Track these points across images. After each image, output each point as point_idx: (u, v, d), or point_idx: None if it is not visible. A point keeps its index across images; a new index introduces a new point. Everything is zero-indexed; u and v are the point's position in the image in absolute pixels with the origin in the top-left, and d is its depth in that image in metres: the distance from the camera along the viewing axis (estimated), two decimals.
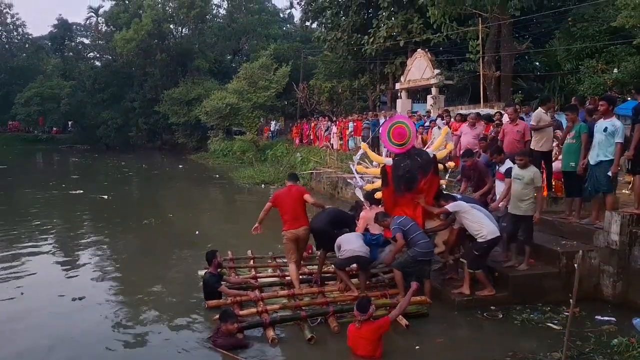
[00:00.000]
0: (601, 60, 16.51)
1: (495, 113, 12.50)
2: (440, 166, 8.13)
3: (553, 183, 9.39)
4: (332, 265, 7.50)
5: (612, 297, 7.03)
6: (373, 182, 8.53)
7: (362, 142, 11.51)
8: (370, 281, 7.54)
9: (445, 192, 7.94)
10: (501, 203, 7.58)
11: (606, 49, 16.71)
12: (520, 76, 20.97)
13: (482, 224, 6.80)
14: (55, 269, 9.27)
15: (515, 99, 18.07)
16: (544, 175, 9.37)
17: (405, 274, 6.81)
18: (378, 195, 7.88)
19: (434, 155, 7.85)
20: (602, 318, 6.46)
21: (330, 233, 7.24)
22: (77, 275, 8.83)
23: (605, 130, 7.00)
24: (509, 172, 7.52)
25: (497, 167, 8.08)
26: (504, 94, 19.16)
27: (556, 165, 8.96)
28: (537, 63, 22.71)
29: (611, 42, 16.64)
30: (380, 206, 7.85)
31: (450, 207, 7.06)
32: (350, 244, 6.88)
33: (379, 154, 10.26)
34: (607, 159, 7.01)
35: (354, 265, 7.17)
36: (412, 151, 7.76)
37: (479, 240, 6.77)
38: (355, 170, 8.62)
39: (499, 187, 7.88)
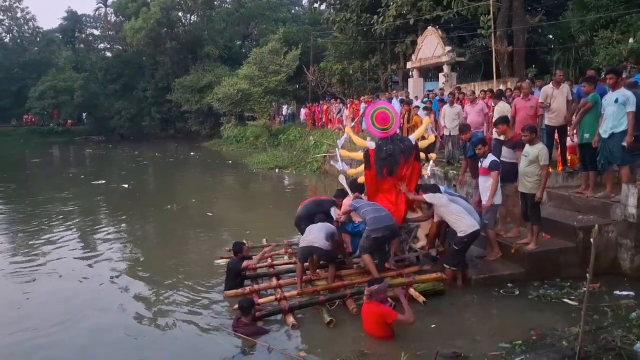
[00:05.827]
0: (616, 30, 16.11)
1: (506, 90, 12.34)
2: (423, 155, 8.16)
3: (569, 158, 9.30)
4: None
5: (631, 270, 7.00)
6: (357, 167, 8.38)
7: (346, 127, 11.39)
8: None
9: (430, 184, 7.96)
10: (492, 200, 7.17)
11: (621, 19, 16.29)
12: (534, 50, 20.61)
13: (461, 218, 6.75)
14: (86, 254, 9.66)
15: (529, 74, 17.82)
16: (559, 150, 9.34)
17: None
18: (361, 179, 7.91)
19: (416, 142, 7.89)
20: (620, 293, 6.44)
21: (300, 226, 7.63)
22: (107, 259, 9.18)
23: (616, 101, 6.94)
24: (494, 165, 7.19)
25: (480, 161, 7.51)
26: (517, 69, 18.90)
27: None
28: (551, 36, 22.29)
29: (626, 11, 16.24)
30: (363, 194, 7.88)
31: (427, 197, 7.08)
32: (309, 234, 6.80)
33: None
34: (619, 130, 6.93)
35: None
36: (395, 137, 7.85)
37: (459, 234, 6.74)
38: (339, 154, 8.57)
39: (483, 183, 7.40)
